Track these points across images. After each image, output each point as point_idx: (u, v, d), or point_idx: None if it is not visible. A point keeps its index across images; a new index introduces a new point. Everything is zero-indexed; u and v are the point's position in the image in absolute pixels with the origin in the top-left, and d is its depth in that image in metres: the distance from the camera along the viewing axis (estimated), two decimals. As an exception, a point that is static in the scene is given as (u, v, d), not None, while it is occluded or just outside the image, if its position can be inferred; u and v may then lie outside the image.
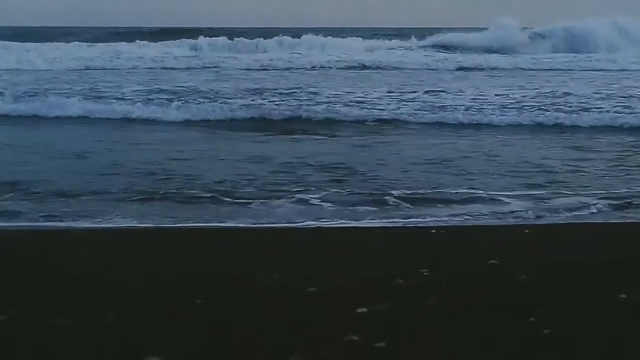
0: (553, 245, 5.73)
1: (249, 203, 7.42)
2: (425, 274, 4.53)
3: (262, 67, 26.78)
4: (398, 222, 6.75)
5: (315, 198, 7.63)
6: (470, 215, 7.02)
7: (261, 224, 6.67)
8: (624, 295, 3.99)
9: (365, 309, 3.80)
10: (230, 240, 5.84)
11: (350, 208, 7.29)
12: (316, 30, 41.22)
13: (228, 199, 7.57)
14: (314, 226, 6.57)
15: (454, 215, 7.01)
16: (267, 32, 39.32)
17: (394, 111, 14.70)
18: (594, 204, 7.41)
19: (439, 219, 6.85)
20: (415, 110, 14.78)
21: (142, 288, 4.28)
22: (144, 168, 9.19)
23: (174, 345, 3.37)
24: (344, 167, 9.34)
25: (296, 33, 37.59)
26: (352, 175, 8.83)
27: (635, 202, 7.47)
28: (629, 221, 6.83)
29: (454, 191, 8.02)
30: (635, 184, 8.33)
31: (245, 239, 5.99)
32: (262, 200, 7.51)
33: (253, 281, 4.34)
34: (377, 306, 3.86)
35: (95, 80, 21.45)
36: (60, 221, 6.73)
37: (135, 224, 6.61)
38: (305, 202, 7.51)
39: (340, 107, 15.20)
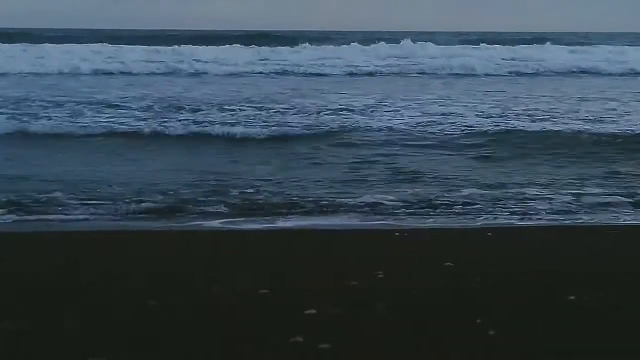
0: (513, 248, 5.76)
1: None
2: (380, 276, 4.53)
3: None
4: (362, 224, 6.77)
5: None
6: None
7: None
8: (572, 297, 4.01)
9: (314, 311, 3.79)
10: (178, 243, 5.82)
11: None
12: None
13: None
14: (272, 229, 6.57)
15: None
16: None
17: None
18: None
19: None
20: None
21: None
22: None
23: (117, 346, 3.35)
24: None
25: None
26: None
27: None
28: (583, 225, 6.90)
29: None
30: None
31: (195, 241, 5.96)
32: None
33: (204, 283, 4.33)
34: (327, 308, 3.85)
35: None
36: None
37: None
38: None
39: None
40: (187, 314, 3.82)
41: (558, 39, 41.57)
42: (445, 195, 7.92)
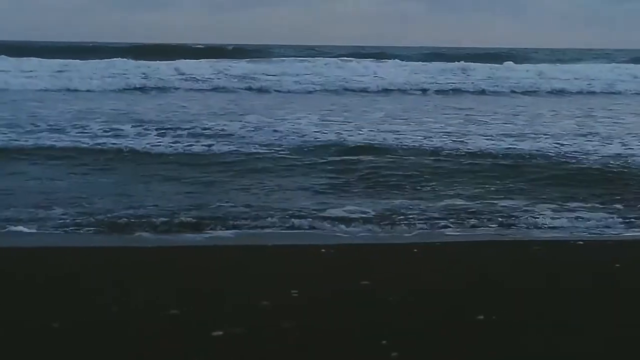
0: (437, 264, 5.77)
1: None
2: (294, 295, 4.48)
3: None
4: (290, 240, 6.74)
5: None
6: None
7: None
8: (481, 317, 4.02)
9: (220, 332, 3.73)
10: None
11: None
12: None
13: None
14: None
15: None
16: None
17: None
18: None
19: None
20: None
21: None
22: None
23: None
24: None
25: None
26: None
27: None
28: (511, 239, 6.97)
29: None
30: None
31: (99, 257, 5.84)
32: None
33: (107, 301, 4.23)
34: (234, 329, 3.79)
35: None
36: None
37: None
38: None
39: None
40: (90, 335, 3.72)
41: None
42: (375, 210, 7.94)
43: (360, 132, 13.96)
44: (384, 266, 5.57)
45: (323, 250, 6.19)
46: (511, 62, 32.65)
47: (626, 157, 11.61)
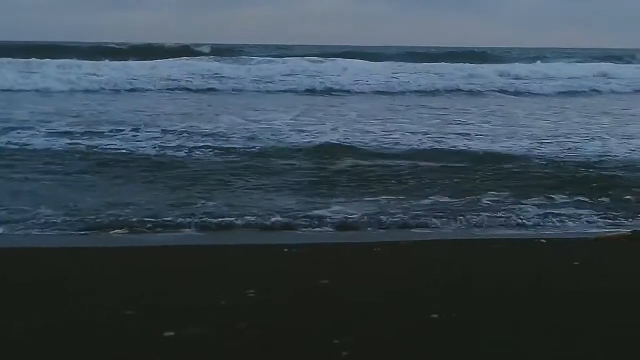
0: (398, 264, 5.76)
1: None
2: (251, 294, 4.45)
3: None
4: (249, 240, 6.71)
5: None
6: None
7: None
8: (435, 315, 4.02)
9: (172, 333, 3.69)
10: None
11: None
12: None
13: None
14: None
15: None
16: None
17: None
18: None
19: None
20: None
21: None
22: None
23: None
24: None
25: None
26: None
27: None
28: (475, 238, 6.99)
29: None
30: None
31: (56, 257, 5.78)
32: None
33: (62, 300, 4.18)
34: (187, 330, 3.76)
35: None
36: None
37: None
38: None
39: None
40: (39, 337, 3.66)
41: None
42: (334, 209, 7.95)
43: (334, 132, 14.01)
44: (345, 265, 5.56)
45: (286, 249, 6.18)
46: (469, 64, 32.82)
47: (597, 156, 11.73)
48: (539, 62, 36.71)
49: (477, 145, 12.84)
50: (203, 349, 3.56)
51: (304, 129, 14.42)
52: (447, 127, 15.42)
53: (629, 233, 6.90)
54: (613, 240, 6.75)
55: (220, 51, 39.61)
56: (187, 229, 7.20)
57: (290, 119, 16.14)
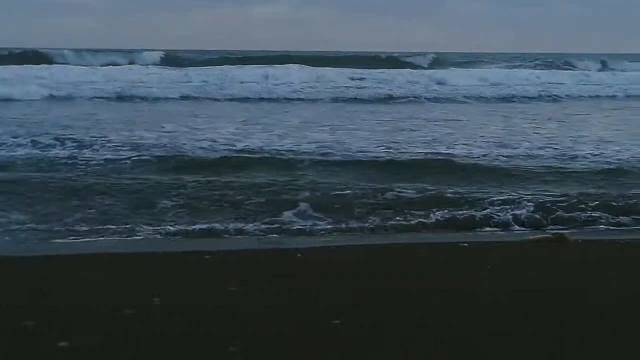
0: (315, 268, 5.74)
1: None
2: (156, 303, 4.41)
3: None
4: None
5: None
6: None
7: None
8: (337, 321, 4.03)
9: (66, 343, 3.63)
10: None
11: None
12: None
13: None
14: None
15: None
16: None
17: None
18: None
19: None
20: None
21: None
22: None
23: None
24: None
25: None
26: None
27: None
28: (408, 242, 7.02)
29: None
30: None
31: None
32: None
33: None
34: (85, 339, 3.70)
35: None
36: None
37: None
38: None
39: None
40: None
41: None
42: (267, 216, 7.91)
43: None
44: (259, 272, 5.51)
45: (207, 256, 6.11)
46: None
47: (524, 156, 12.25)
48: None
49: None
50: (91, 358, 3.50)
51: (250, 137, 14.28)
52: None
53: (553, 236, 6.97)
54: (537, 242, 6.83)
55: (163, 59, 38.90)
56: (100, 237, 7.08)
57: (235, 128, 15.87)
